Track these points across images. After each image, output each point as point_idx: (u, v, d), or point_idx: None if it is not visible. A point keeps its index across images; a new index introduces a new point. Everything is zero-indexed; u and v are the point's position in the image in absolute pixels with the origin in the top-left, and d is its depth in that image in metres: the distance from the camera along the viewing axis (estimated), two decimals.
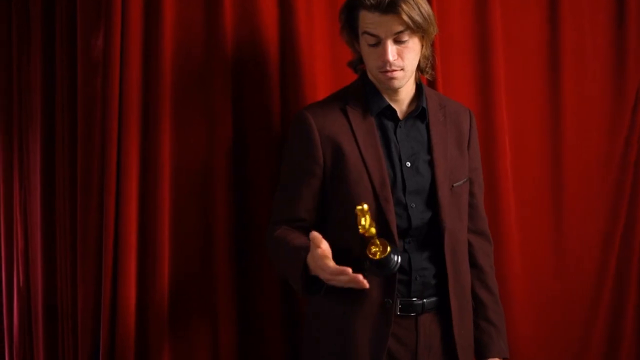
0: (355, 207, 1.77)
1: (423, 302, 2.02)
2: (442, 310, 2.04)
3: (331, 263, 1.78)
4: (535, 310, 2.69)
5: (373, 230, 1.80)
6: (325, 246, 1.81)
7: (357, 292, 1.92)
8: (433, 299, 2.03)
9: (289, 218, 2.02)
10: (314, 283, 1.87)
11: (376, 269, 1.86)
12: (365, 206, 1.77)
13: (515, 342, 2.57)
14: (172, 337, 2.21)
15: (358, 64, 2.07)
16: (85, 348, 2.21)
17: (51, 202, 2.39)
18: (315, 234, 1.81)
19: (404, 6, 1.87)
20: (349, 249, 1.92)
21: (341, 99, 2.04)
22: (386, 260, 1.85)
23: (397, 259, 1.87)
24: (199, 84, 2.23)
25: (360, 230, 1.78)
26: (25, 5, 2.49)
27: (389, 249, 1.85)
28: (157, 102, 2.17)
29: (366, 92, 2.04)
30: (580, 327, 2.77)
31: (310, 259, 1.83)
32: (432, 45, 2.38)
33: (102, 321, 2.15)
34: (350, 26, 2.00)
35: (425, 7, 1.93)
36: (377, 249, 1.85)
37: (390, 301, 1.97)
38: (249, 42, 2.28)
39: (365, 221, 1.77)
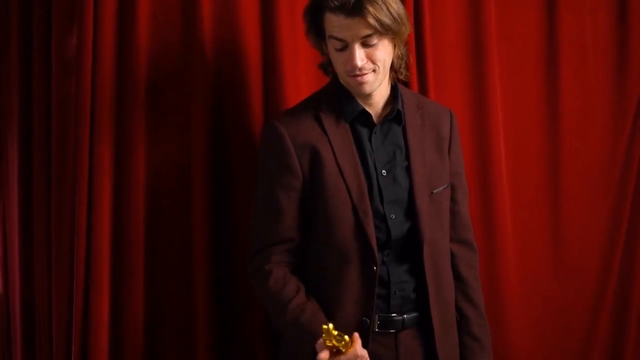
0: (333, 220, 1.78)
1: (403, 318, 1.93)
2: (424, 326, 1.95)
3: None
4: (533, 320, 2.61)
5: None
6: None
7: (333, 309, 1.86)
8: (414, 314, 1.94)
9: (275, 241, 1.90)
10: None
11: None
12: (331, 325, 1.70)
13: (510, 354, 2.50)
14: (147, 348, 2.15)
15: (328, 65, 1.97)
16: (59, 357, 2.14)
17: (29, 207, 2.31)
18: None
19: (370, 8, 1.75)
20: (329, 266, 1.88)
21: (314, 105, 1.94)
22: None
23: None
24: (175, 84, 2.16)
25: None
26: (5, 4, 2.43)
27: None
28: (132, 102, 2.11)
29: (339, 96, 1.93)
30: (581, 337, 2.69)
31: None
32: (423, 43, 2.35)
33: (74, 330, 2.09)
34: (316, 28, 1.89)
35: (395, 7, 1.81)
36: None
37: (368, 320, 1.88)
38: (228, 40, 2.20)
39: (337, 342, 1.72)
